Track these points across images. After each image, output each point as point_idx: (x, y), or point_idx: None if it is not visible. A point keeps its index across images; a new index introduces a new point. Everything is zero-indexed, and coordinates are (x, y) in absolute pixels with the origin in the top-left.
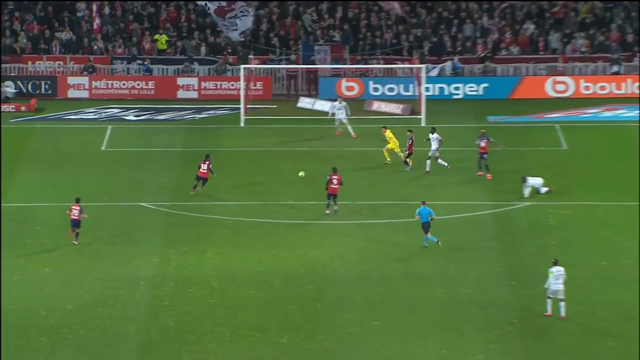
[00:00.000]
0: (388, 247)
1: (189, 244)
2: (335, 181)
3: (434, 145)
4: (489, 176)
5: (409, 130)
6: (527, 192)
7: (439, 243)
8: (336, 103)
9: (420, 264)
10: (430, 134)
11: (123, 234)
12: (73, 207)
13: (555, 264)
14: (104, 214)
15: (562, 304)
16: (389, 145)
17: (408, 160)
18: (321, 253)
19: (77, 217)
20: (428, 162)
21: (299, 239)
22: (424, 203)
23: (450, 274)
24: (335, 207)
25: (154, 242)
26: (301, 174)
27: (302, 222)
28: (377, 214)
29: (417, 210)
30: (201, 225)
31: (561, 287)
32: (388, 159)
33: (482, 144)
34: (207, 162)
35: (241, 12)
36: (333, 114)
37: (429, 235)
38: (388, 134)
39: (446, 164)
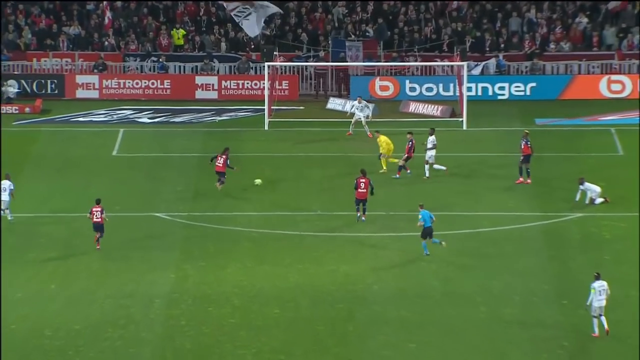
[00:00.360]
0: (426, 262)
1: (208, 258)
2: (363, 185)
3: (430, 148)
4: (528, 181)
5: (409, 133)
6: (579, 195)
7: (443, 243)
8: (355, 102)
9: (461, 281)
10: (429, 136)
11: (136, 248)
12: (94, 209)
13: (598, 278)
14: (115, 225)
15: (602, 318)
16: (380, 150)
17: (406, 165)
18: (352, 268)
19: (99, 220)
20: (426, 167)
21: (328, 252)
22: (422, 207)
23: (494, 292)
24: (363, 218)
25: (169, 256)
26: (257, 181)
27: (331, 234)
28: (414, 226)
29: (420, 215)
30: (221, 237)
31: (604, 302)
32: (384, 168)
33: (522, 146)
34: (223, 156)
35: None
36: (352, 114)
37: (429, 241)
38: (382, 139)
39: (444, 168)
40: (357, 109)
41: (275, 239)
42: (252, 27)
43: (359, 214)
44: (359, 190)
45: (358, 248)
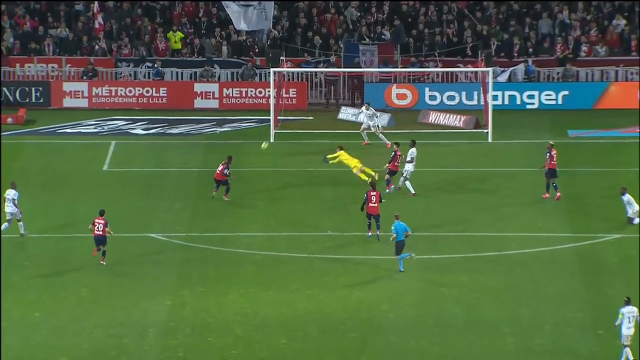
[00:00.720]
0: (447, 288)
1: (207, 283)
2: (374, 198)
3: (408, 161)
4: (557, 194)
5: (396, 144)
6: (629, 210)
7: (412, 255)
8: (363, 109)
9: (486, 308)
10: (410, 148)
11: (128, 272)
12: (96, 220)
13: (628, 303)
14: (108, 247)
15: (627, 350)
16: (353, 169)
17: (391, 179)
18: (366, 294)
19: (101, 233)
20: (407, 183)
21: (339, 277)
22: (397, 217)
23: (522, 321)
24: (378, 232)
25: (165, 280)
26: (264, 145)
27: (343, 256)
28: (434, 248)
29: (393, 227)
30: (222, 260)
31: (632, 331)
32: (366, 178)
33: (547, 156)
34: (223, 164)
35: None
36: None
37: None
38: (341, 158)
39: (412, 191)
40: (366, 116)
41: (281, 262)
42: (260, 22)
43: (370, 233)
44: (370, 204)
45: (372, 272)
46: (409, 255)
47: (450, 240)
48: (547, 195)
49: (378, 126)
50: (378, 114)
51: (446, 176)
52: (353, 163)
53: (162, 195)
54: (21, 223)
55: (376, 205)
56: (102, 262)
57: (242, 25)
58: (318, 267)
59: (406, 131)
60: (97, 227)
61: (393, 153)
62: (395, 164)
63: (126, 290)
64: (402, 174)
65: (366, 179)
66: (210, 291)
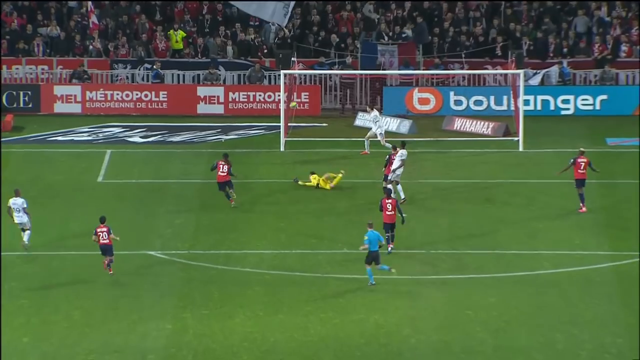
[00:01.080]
0: (474, 311)
1: (211, 305)
2: (390, 206)
3: (397, 165)
4: (582, 209)
5: (393, 147)
6: None
7: (392, 270)
8: (371, 113)
9: (517, 333)
10: (400, 149)
11: (125, 293)
12: (98, 229)
13: None
14: (101, 266)
15: None
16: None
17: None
18: (385, 318)
19: (107, 242)
20: (399, 187)
21: (356, 298)
22: (370, 226)
23: (557, 347)
24: (391, 246)
25: (165, 302)
26: (293, 104)
27: (360, 276)
28: (460, 266)
29: (366, 237)
30: (228, 280)
31: None
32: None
33: (570, 162)
34: (225, 164)
35: None
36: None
37: (369, 268)
38: (314, 180)
39: (402, 196)
40: (369, 120)
41: (292, 282)
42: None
43: (390, 247)
44: (387, 212)
45: (392, 293)
46: (388, 269)
47: (477, 258)
48: (583, 209)
49: (382, 134)
50: (382, 118)
51: (473, 188)
52: (325, 180)
53: (162, 209)
54: (28, 232)
55: (392, 213)
56: (110, 271)
57: (260, 13)
58: (333, 288)
59: (429, 139)
60: (102, 236)
61: (388, 157)
62: (392, 168)
63: (123, 313)
64: (396, 181)
65: (328, 183)
66: (214, 314)
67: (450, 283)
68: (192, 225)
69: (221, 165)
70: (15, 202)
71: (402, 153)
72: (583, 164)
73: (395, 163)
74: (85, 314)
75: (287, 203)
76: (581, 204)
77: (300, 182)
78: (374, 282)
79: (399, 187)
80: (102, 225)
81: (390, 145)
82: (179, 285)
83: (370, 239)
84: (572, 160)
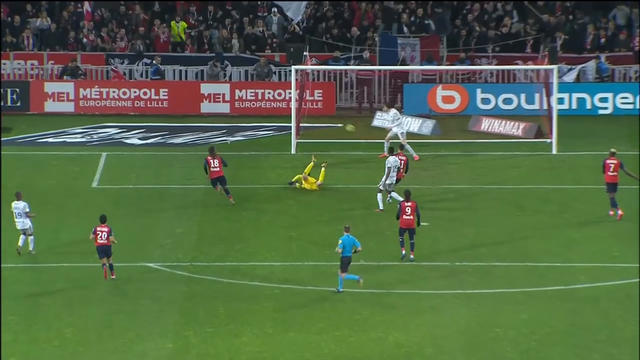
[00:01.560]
0: (503, 329)
1: (216, 322)
2: (409, 210)
3: (391, 173)
4: (620, 214)
5: (400, 147)
6: None
7: (360, 281)
8: (390, 113)
9: (550, 354)
10: (393, 155)
11: (122, 308)
12: (98, 228)
13: None
14: (95, 278)
15: None
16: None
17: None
18: (406, 337)
19: (105, 242)
20: (379, 196)
21: (374, 315)
22: (347, 230)
23: None
24: (412, 255)
25: (166, 319)
26: (350, 127)
27: (379, 290)
28: (487, 280)
29: (340, 241)
30: (234, 295)
31: None
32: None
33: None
34: (217, 158)
35: None
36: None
37: (344, 275)
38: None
39: (400, 199)
40: (389, 121)
41: (304, 297)
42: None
43: (404, 252)
44: (404, 216)
45: (413, 309)
46: (357, 279)
47: (506, 270)
48: (612, 212)
49: (403, 133)
50: (402, 117)
51: (502, 195)
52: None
53: (162, 217)
54: (32, 238)
55: (411, 217)
56: (112, 276)
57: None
58: (348, 303)
59: (453, 141)
60: (101, 236)
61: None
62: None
63: (119, 330)
64: (387, 190)
65: (313, 184)
66: (219, 332)
67: (476, 298)
68: (194, 235)
69: (212, 161)
70: (17, 206)
71: (388, 160)
72: (613, 165)
73: (391, 171)
74: (78, 331)
75: (298, 211)
76: (615, 208)
77: (297, 185)
78: (341, 290)
79: (380, 195)
80: (103, 225)
81: (411, 149)
82: (181, 300)
83: (344, 244)
84: (604, 162)
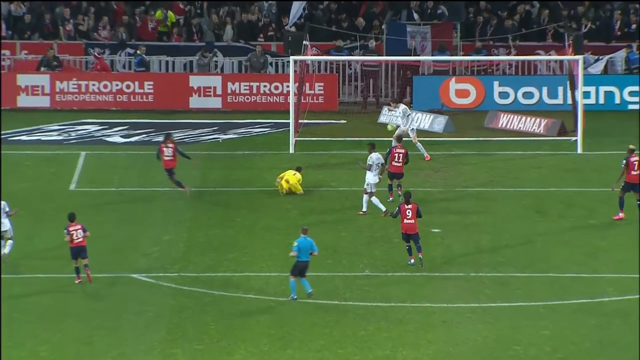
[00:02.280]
0: (523, 347)
1: (206, 339)
2: (409, 213)
3: (373, 174)
4: (621, 216)
5: (397, 138)
6: None
7: (310, 292)
8: (399, 109)
9: None
10: (370, 154)
11: (103, 324)
12: (71, 227)
13: None
14: (74, 290)
15: None
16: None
17: (396, 183)
18: (416, 355)
19: (81, 241)
20: (365, 197)
21: (380, 331)
22: (305, 232)
23: None
24: (420, 255)
25: (152, 335)
26: (390, 127)
27: (385, 304)
28: (506, 293)
29: (296, 243)
30: (226, 309)
31: None
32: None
33: (623, 165)
34: (171, 145)
35: None
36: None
37: (295, 280)
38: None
39: (364, 209)
40: (397, 116)
41: (303, 311)
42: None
43: (412, 260)
44: (405, 220)
45: (424, 323)
46: (309, 292)
47: (527, 282)
48: (620, 215)
49: (413, 129)
50: (412, 113)
51: (522, 198)
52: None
53: (147, 223)
54: (11, 242)
55: (412, 221)
56: (89, 280)
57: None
58: (352, 318)
59: (468, 139)
60: (76, 235)
61: (389, 150)
62: (394, 163)
63: (99, 348)
64: (368, 189)
65: (286, 186)
66: (210, 349)
67: (493, 312)
68: (183, 243)
69: (164, 149)
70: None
71: (370, 157)
72: (637, 163)
73: (372, 173)
74: (54, 349)
75: (297, 216)
76: (621, 210)
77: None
78: (295, 297)
79: (374, 199)
80: (74, 223)
81: (422, 147)
82: (168, 314)
83: (299, 247)
84: (624, 161)
